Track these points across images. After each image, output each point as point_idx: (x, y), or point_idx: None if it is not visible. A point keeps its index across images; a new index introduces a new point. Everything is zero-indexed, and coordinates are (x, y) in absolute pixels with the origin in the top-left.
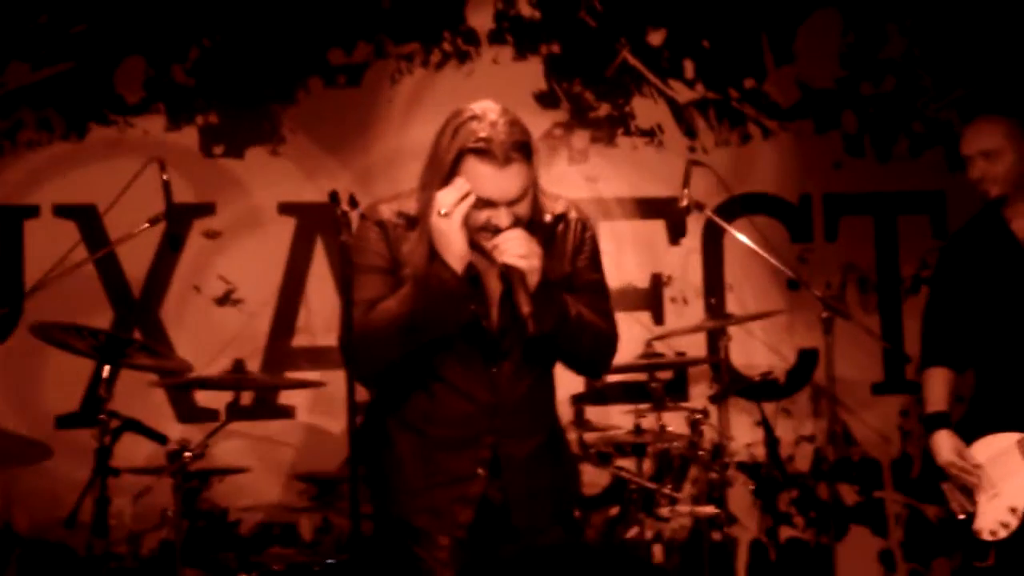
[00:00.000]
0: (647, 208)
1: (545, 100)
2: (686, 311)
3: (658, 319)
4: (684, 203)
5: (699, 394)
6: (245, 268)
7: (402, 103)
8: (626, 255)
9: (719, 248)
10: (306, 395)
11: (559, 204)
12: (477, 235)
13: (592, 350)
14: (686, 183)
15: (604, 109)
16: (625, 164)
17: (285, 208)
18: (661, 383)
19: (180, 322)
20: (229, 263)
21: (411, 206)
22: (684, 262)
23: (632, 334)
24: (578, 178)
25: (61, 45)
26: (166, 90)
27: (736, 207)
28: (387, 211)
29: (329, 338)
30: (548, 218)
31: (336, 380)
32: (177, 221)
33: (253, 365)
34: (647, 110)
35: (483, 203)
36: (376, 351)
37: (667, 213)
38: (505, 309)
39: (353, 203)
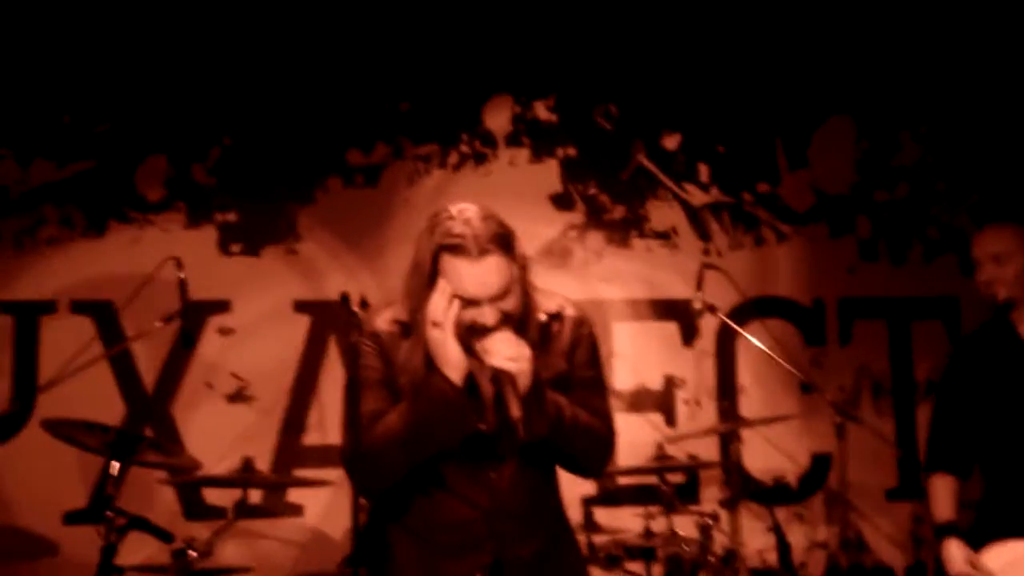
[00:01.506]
0: (661, 310)
1: (561, 202)
2: (699, 413)
3: (670, 421)
4: (698, 305)
5: (711, 498)
6: (258, 365)
7: (420, 203)
8: (639, 356)
9: (732, 351)
10: (315, 493)
11: (553, 301)
12: (467, 336)
13: (587, 452)
14: (700, 286)
15: (619, 211)
16: (639, 266)
17: (300, 306)
18: (672, 486)
19: (191, 419)
20: (242, 360)
21: (405, 312)
22: (697, 364)
23: (644, 436)
24: (592, 279)
25: (84, 144)
26: (186, 188)
27: (750, 310)
28: (381, 321)
29: (340, 436)
30: (543, 316)
31: (345, 479)
32: (192, 318)
33: (263, 463)
34: (662, 213)
35: (467, 302)
36: (379, 468)
37: (681, 315)
38: (499, 412)
39: (364, 305)
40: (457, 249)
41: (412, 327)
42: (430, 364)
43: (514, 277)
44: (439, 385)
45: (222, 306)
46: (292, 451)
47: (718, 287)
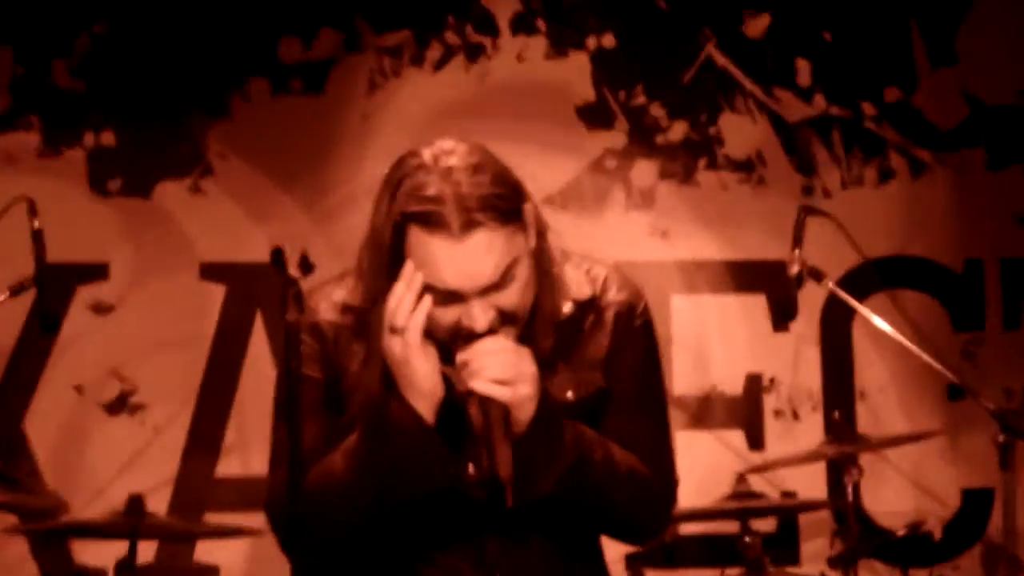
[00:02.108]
0: (741, 277)
1: (593, 116)
2: (796, 430)
3: (755, 441)
4: (795, 270)
5: (815, 554)
6: (150, 359)
7: (383, 119)
8: (709, 346)
9: (846, 338)
10: (235, 548)
11: (585, 282)
12: (449, 345)
13: (630, 511)
14: (798, 241)
15: (679, 130)
16: (709, 211)
17: (210, 271)
18: (759, 537)
19: (52, 438)
20: (127, 351)
21: (359, 295)
22: (795, 358)
23: (716, 463)
24: (639, 231)
25: None
26: (42, 97)
27: (872, 277)
28: (327, 306)
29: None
30: (567, 308)
31: None
32: (52, 289)
33: (158, 503)
34: (742, 133)
35: (446, 297)
36: (315, 529)
37: (770, 285)
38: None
39: (306, 266)
40: (431, 220)
41: (368, 323)
42: (390, 384)
43: (519, 257)
44: (400, 418)
45: (96, 271)
46: (201, 486)
47: (825, 243)
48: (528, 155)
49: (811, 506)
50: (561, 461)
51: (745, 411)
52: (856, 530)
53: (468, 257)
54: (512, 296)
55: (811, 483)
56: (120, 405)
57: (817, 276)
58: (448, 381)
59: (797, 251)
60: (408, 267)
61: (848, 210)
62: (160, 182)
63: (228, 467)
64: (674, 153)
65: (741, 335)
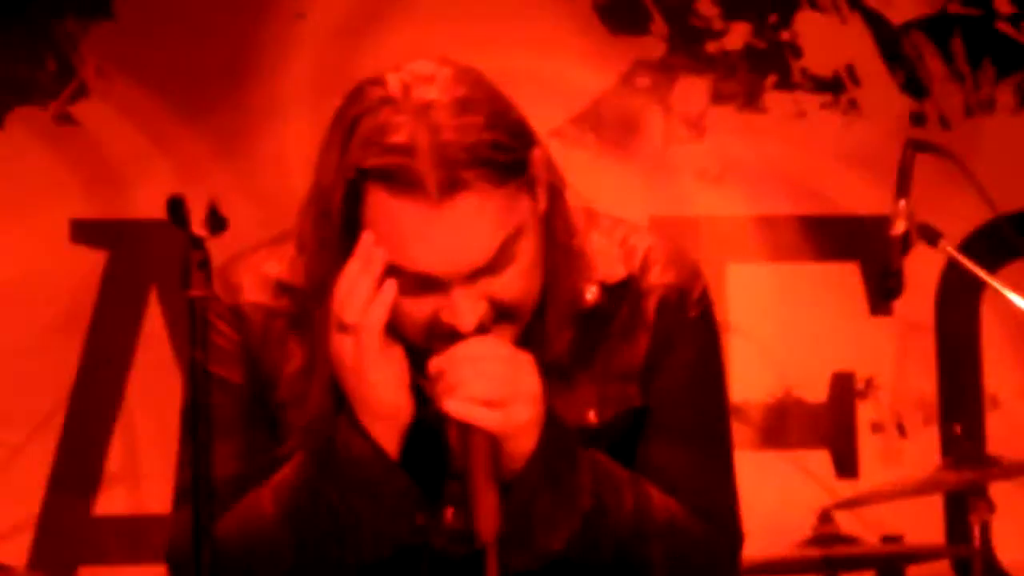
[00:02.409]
0: (825, 239)
1: (619, 18)
2: (903, 450)
3: (846, 466)
4: (901, 229)
5: None
6: (3, 354)
7: (326, 18)
8: (782, 335)
9: (972, 322)
10: None
11: (618, 258)
12: (423, 347)
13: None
14: (904, 189)
15: (738, 35)
16: (781, 148)
17: (85, 231)
18: None
19: None
20: None
21: (299, 271)
22: (900, 351)
23: (793, 496)
24: (683, 175)
25: None
26: None
27: (1007, 238)
28: (254, 281)
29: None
30: (591, 295)
31: None
32: None
33: (14, 552)
34: (826, 38)
35: (418, 282)
36: None
37: (866, 250)
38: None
39: (216, 221)
40: (398, 178)
41: (307, 312)
42: (340, 409)
43: (523, 227)
44: (351, 449)
45: None
46: (74, 528)
47: (943, 191)
48: (529, 71)
49: (923, 554)
50: (573, 511)
51: (832, 424)
52: None
53: (450, 229)
54: (511, 281)
55: (923, 523)
56: None
57: (931, 237)
58: (422, 396)
59: (903, 203)
60: (365, 240)
61: (974, 146)
62: (13, 109)
63: (111, 503)
64: (732, 66)
65: (825, 320)
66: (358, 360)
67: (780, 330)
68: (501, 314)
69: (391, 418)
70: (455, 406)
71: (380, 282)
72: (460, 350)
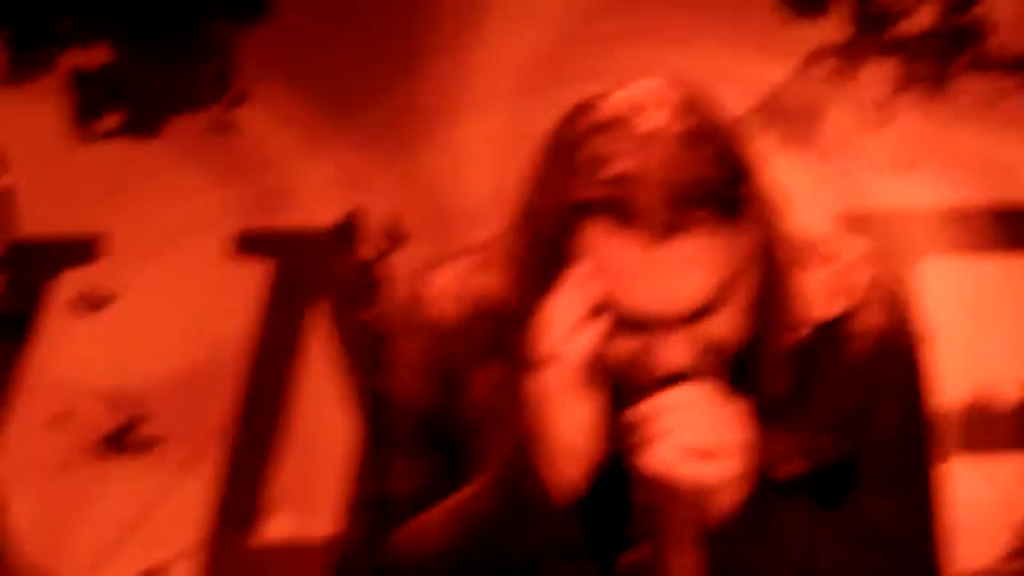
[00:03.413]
0: (1021, 227)
1: (799, 1)
2: None
3: None
4: None
5: None
6: (164, 373)
7: (497, 5)
8: (981, 331)
9: None
10: None
11: (838, 292)
12: (620, 390)
13: None
14: None
15: (927, 14)
16: (976, 132)
17: (248, 243)
18: None
19: (28, 487)
20: (130, 363)
21: (502, 282)
22: None
23: (994, 506)
24: (872, 163)
25: None
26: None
27: None
28: (450, 294)
29: (339, 522)
30: (804, 332)
31: None
32: (23, 275)
33: None
34: (1021, 14)
35: (624, 323)
36: None
37: None
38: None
39: (392, 238)
40: (619, 212)
41: (506, 336)
42: (523, 449)
43: (742, 269)
44: (524, 493)
45: (83, 249)
46: (238, 556)
47: None
48: (705, 59)
49: None
50: (786, 567)
51: None
52: None
53: (670, 270)
54: (725, 322)
55: None
56: (122, 441)
57: None
58: (620, 439)
59: None
60: (580, 271)
61: None
62: (172, 117)
63: (275, 528)
64: (921, 47)
65: (1021, 315)
66: (545, 393)
67: (975, 327)
68: (711, 355)
69: (578, 460)
70: (660, 456)
71: (589, 315)
72: (667, 396)
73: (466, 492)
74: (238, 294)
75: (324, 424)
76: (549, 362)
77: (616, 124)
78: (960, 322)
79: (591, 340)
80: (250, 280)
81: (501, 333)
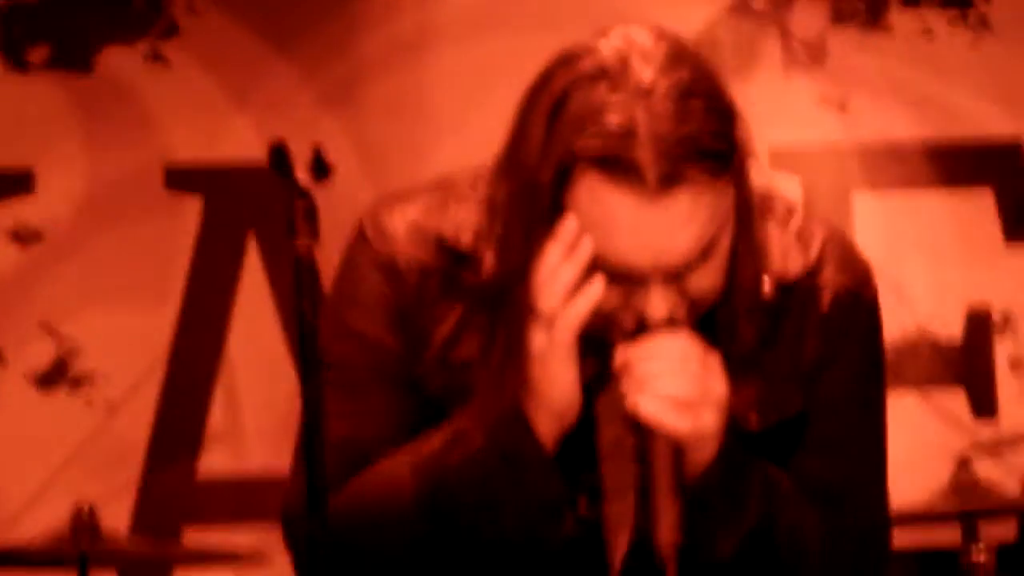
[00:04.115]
0: (956, 165)
1: None
2: None
3: (984, 406)
4: None
5: None
6: (98, 307)
7: None
8: (911, 268)
9: None
10: None
11: (796, 250)
12: (598, 335)
13: (840, 561)
14: None
15: None
16: (907, 70)
17: (180, 177)
18: (992, 551)
19: None
20: (63, 298)
21: (467, 225)
22: None
23: (927, 441)
24: (804, 101)
25: None
26: None
27: None
28: (410, 233)
29: (279, 456)
30: (770, 288)
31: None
32: None
33: (116, 517)
34: None
35: (615, 274)
36: (354, 554)
37: (1000, 175)
38: (642, 508)
39: (321, 168)
40: (616, 165)
41: (485, 282)
42: (507, 378)
43: (726, 222)
44: (514, 443)
45: (16, 182)
46: (176, 491)
47: None
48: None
49: None
50: (742, 524)
51: (967, 362)
52: None
53: (663, 224)
54: (705, 275)
55: None
56: (56, 376)
57: None
58: (588, 395)
59: None
60: (569, 226)
61: None
62: (103, 48)
63: (214, 463)
64: None
65: (958, 250)
66: (547, 351)
67: (910, 262)
68: (693, 308)
69: (559, 417)
70: (647, 405)
71: (582, 271)
72: (652, 344)
73: (435, 442)
74: (170, 228)
75: (259, 358)
76: (549, 323)
77: (605, 76)
78: (895, 257)
79: (588, 303)
80: (182, 214)
81: (460, 272)
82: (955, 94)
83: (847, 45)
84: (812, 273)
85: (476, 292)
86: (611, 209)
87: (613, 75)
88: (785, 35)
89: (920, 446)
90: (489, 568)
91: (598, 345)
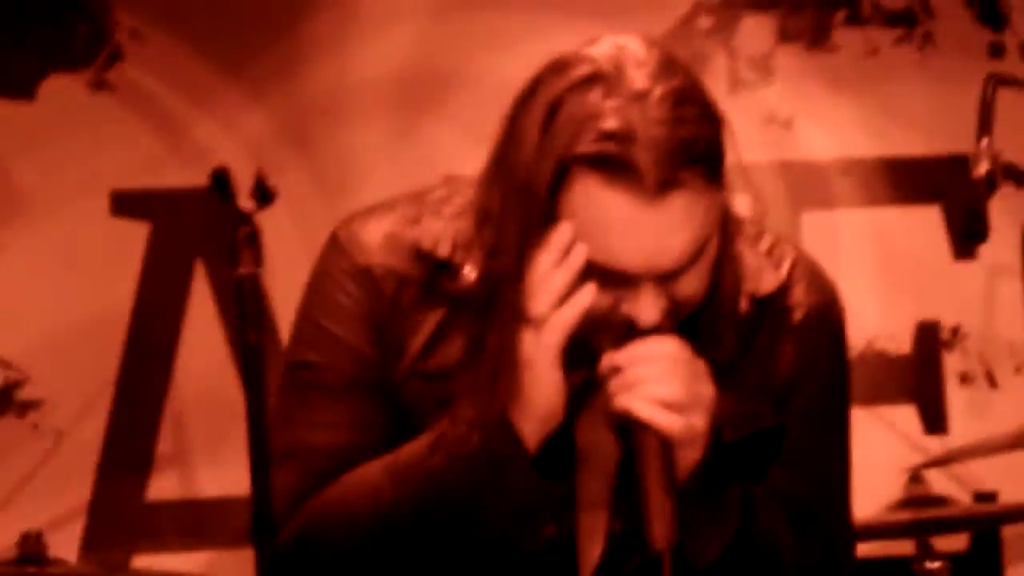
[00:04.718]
0: (903, 181)
1: None
2: (993, 402)
3: (934, 421)
4: (984, 169)
5: None
6: (43, 334)
7: None
8: (861, 283)
9: None
10: None
11: (769, 268)
12: (584, 338)
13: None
14: (986, 126)
15: None
16: (853, 87)
17: (126, 203)
18: (945, 562)
19: None
20: (9, 325)
21: (444, 235)
22: (987, 296)
23: (879, 455)
24: (750, 119)
25: None
26: None
27: None
28: (387, 245)
29: (228, 480)
30: (744, 304)
31: (239, 572)
32: None
33: (64, 543)
34: None
35: (607, 276)
36: (328, 565)
37: (948, 192)
38: (621, 510)
39: (263, 194)
40: (615, 167)
41: (475, 286)
42: (489, 392)
43: (714, 228)
44: (497, 447)
45: None
46: (126, 515)
47: None
48: (584, 13)
49: (1020, 513)
50: (724, 530)
51: (917, 376)
52: None
53: (659, 229)
54: (691, 281)
55: (1019, 479)
56: (3, 403)
57: (1017, 177)
58: (574, 401)
59: (986, 141)
60: (563, 231)
61: None
62: (47, 77)
63: (163, 488)
64: (798, 3)
65: (907, 266)
66: (535, 355)
67: (859, 279)
68: (678, 312)
69: (544, 422)
70: (640, 405)
71: (574, 274)
72: (642, 347)
73: (421, 441)
74: (117, 255)
75: (207, 382)
76: (539, 326)
77: (600, 81)
78: (844, 274)
79: (577, 308)
80: (129, 240)
81: (437, 281)
82: (902, 112)
83: (793, 64)
84: (783, 291)
85: (464, 296)
86: (607, 211)
87: (608, 81)
88: (731, 54)
89: (872, 460)
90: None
91: (578, 357)
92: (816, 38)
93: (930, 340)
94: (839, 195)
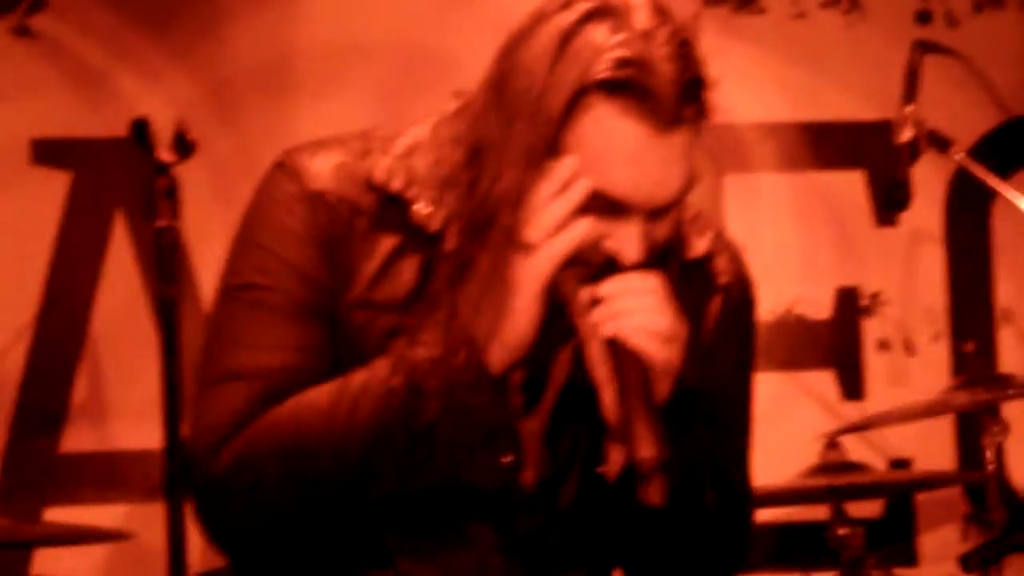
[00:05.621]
0: (826, 147)
1: None
2: (911, 369)
3: (851, 387)
4: (907, 135)
5: (940, 550)
6: None
7: None
8: (782, 248)
9: (982, 233)
10: (92, 558)
11: (697, 234)
12: (565, 277)
13: (713, 540)
14: (911, 93)
15: None
16: (778, 52)
17: (47, 151)
18: (858, 527)
19: None
20: None
21: (397, 169)
22: (907, 263)
23: (796, 421)
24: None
25: None
26: None
27: (1017, 146)
28: (339, 175)
29: (142, 433)
30: (682, 261)
31: (153, 525)
32: None
33: None
34: None
35: (604, 205)
36: (270, 490)
37: (870, 158)
38: (573, 433)
39: (184, 146)
40: (635, 93)
41: (427, 219)
42: (455, 317)
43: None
44: (464, 371)
45: None
46: (38, 468)
47: (952, 95)
48: None
49: (934, 480)
50: (685, 462)
51: (835, 342)
52: (1001, 516)
53: (663, 159)
54: (664, 228)
55: (933, 447)
56: None
57: (940, 144)
58: (543, 339)
59: (910, 108)
60: (568, 164)
61: (984, 44)
62: None
63: (78, 440)
64: None
65: (827, 231)
66: (523, 282)
67: (780, 243)
68: (653, 251)
69: (514, 351)
70: (632, 333)
71: (576, 201)
72: (631, 280)
73: (376, 369)
74: (37, 203)
75: (124, 333)
76: (532, 251)
77: (610, 16)
78: (765, 238)
79: (572, 239)
80: (49, 189)
81: (388, 213)
82: (827, 77)
83: (719, 26)
84: (708, 258)
85: (418, 229)
86: (618, 139)
87: (616, 15)
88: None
89: (789, 425)
90: (414, 503)
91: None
92: (743, 1)
93: (849, 306)
94: (761, 159)
